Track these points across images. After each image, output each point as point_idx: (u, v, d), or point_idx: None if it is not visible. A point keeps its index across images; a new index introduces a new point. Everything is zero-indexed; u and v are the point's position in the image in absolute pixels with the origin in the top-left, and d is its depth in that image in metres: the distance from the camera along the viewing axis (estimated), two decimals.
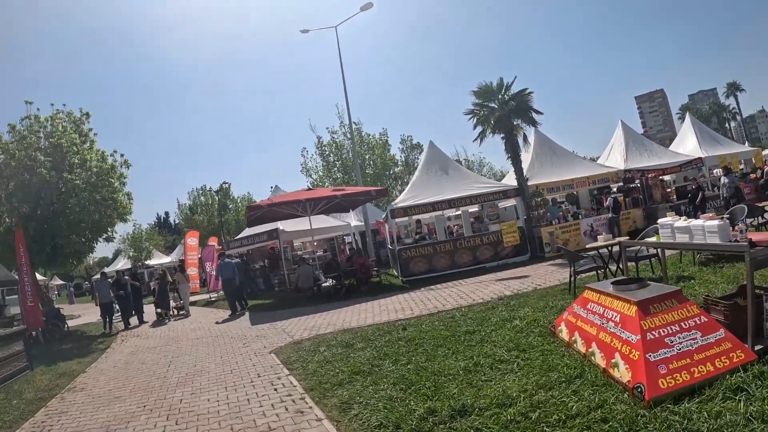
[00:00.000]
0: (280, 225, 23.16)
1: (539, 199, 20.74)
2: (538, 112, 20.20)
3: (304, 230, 23.08)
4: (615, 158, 24.36)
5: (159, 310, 20.78)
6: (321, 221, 24.32)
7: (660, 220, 7.58)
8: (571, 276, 10.82)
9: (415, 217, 21.47)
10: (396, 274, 20.71)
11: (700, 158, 24.33)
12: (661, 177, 23.68)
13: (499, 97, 20.14)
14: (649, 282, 6.23)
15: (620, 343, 5.37)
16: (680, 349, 4.99)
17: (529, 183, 20.19)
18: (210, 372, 9.53)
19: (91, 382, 10.60)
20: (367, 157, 39.17)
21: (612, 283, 6.47)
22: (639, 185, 22.57)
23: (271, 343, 11.36)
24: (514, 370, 6.25)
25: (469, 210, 23.19)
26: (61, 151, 18.77)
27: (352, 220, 28.56)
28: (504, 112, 19.68)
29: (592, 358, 5.84)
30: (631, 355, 5.09)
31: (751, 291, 5.35)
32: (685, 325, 5.22)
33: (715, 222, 6.23)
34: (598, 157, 29.15)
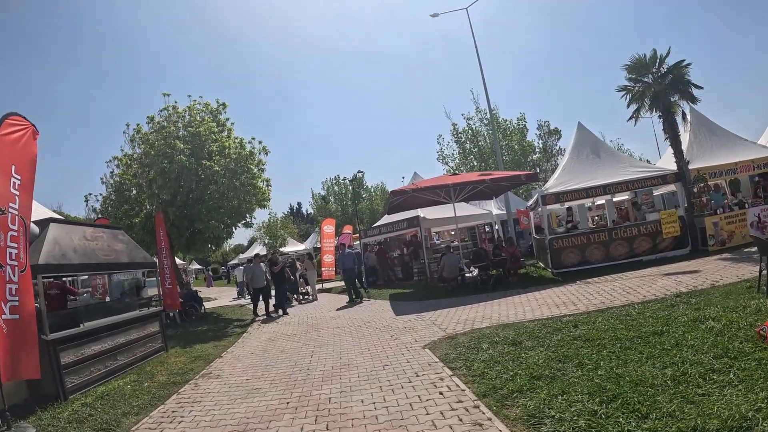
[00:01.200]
0: (421, 212, 22.78)
1: (701, 184, 19.02)
2: (698, 87, 18.61)
3: (446, 218, 22.71)
4: None
5: (288, 294, 21.19)
6: (462, 209, 23.66)
7: None
8: (761, 272, 9.63)
9: (566, 204, 20.47)
10: (542, 265, 20.10)
11: None
12: None
13: (653, 71, 18.78)
14: None
15: None
16: None
17: (690, 167, 18.57)
18: (359, 366, 8.99)
19: (227, 368, 10.39)
20: (504, 144, 38.04)
21: None
22: None
23: (422, 336, 10.83)
24: (732, 383, 5.46)
25: (614, 199, 22.01)
26: (199, 139, 19.25)
27: (493, 208, 27.84)
28: (660, 87, 18.34)
29: None
30: None
31: None
32: None
33: None
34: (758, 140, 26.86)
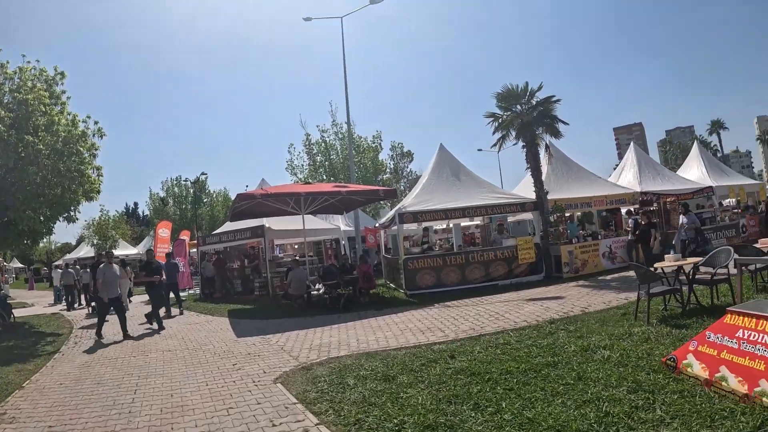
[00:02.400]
0: (266, 222, 21.25)
1: (558, 215, 19.24)
2: (564, 123, 18.78)
3: (293, 230, 21.27)
4: (627, 179, 23.42)
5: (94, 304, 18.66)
6: (310, 222, 22.28)
7: None
8: (638, 299, 9.66)
9: (424, 224, 19.87)
10: (393, 286, 19.26)
11: (710, 187, 24.01)
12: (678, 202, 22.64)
13: (523, 101, 18.73)
14: None
15: None
16: None
17: (548, 197, 18.64)
18: (196, 410, 6.91)
19: (27, 407, 7.73)
20: (356, 160, 37.11)
21: None
22: (656, 209, 21.82)
23: (271, 366, 8.94)
24: (666, 422, 4.77)
25: (462, 223, 21.83)
26: (25, 108, 15.98)
27: (342, 224, 26.84)
28: (528, 118, 18.27)
29: (764, 398, 4.72)
30: None
31: None
32: None
33: None
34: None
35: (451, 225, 22.10)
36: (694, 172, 26.67)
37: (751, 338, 5.37)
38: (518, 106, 18.77)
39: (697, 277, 10.14)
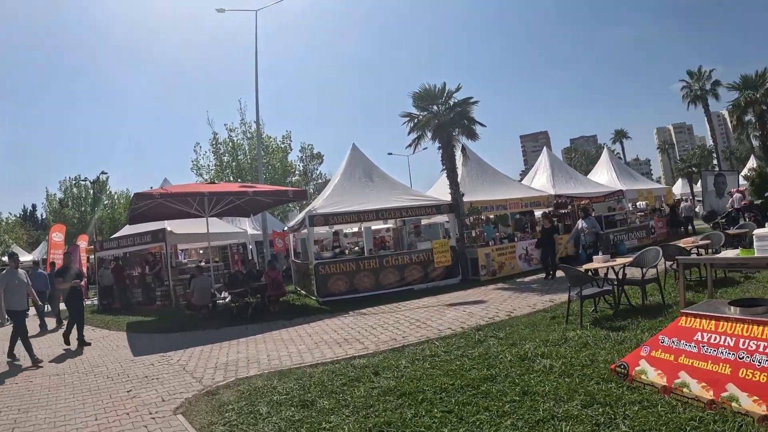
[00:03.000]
0: (168, 225, 19.79)
1: (475, 217, 18.80)
2: (481, 125, 18.45)
3: (197, 234, 19.87)
4: (541, 182, 23.48)
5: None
6: (215, 225, 20.81)
7: (758, 231, 6.55)
8: (569, 302, 9.26)
9: (335, 227, 18.99)
10: (304, 292, 18.20)
11: (621, 190, 24.77)
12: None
13: (440, 102, 18.25)
14: None
15: None
16: None
17: (464, 200, 18.21)
18: None
19: None
20: (265, 161, 35.66)
21: (733, 305, 5.28)
22: (570, 211, 21.78)
23: (170, 391, 7.60)
24: None
25: (372, 227, 21.15)
26: None
27: (248, 227, 25.55)
28: (445, 119, 17.78)
29: (733, 404, 4.43)
30: None
31: None
32: None
33: None
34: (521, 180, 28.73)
35: (361, 228, 21.27)
36: (604, 176, 27.44)
37: (712, 341, 5.07)
38: (435, 107, 18.29)
39: (627, 277, 9.89)
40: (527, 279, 16.04)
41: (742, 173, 37.49)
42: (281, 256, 24.82)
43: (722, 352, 4.89)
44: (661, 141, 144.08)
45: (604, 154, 30.29)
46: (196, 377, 8.29)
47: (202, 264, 19.46)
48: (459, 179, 18.48)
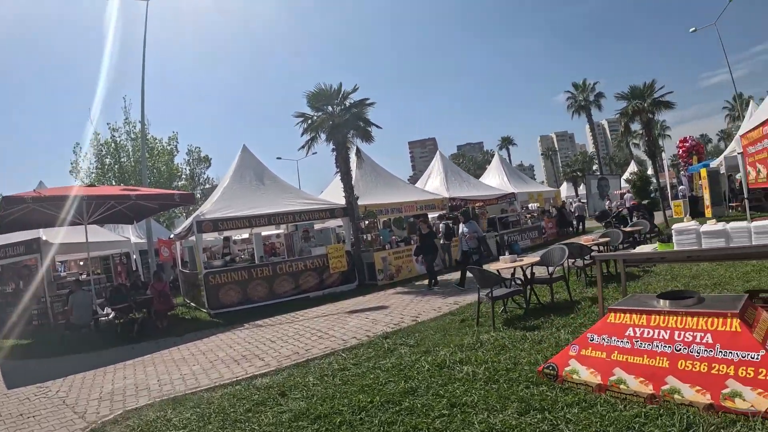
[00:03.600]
0: (44, 234, 18.07)
1: (370, 220, 18.36)
2: (377, 126, 17.97)
3: (76, 243, 18.20)
4: (435, 185, 23.48)
5: None
6: (96, 233, 19.24)
7: (677, 225, 6.31)
8: (479, 303, 8.92)
9: (224, 234, 18.02)
10: (194, 305, 16.92)
11: (513, 193, 25.52)
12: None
13: (335, 102, 17.59)
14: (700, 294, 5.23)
15: (731, 367, 4.28)
16: None
17: (359, 203, 17.73)
18: None
19: None
20: (150, 164, 33.54)
21: (662, 299, 5.23)
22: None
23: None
24: None
25: (263, 232, 20.39)
26: None
27: (132, 235, 23.89)
28: (340, 120, 17.13)
29: (675, 396, 4.39)
30: (762, 376, 4.06)
31: None
32: None
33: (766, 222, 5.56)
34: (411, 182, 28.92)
35: (251, 234, 20.39)
36: (495, 179, 27.98)
37: (645, 335, 4.94)
38: (330, 107, 17.60)
39: (536, 276, 9.82)
40: (426, 282, 15.58)
41: (624, 177, 39.88)
42: (168, 265, 23.37)
43: (658, 346, 4.79)
44: (545, 148, 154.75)
45: (495, 159, 31.08)
46: (78, 412, 7.06)
47: (82, 277, 17.95)
48: (353, 182, 17.93)
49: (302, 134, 17.63)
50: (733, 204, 23.89)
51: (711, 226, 5.97)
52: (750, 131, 10.72)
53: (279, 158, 51.80)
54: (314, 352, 8.63)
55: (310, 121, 17.50)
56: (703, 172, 23.42)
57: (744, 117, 25.30)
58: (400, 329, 9.34)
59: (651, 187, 30.25)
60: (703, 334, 4.59)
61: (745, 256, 6.82)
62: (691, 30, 36.85)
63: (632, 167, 44.53)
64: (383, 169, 21.28)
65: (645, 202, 23.64)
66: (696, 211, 23.98)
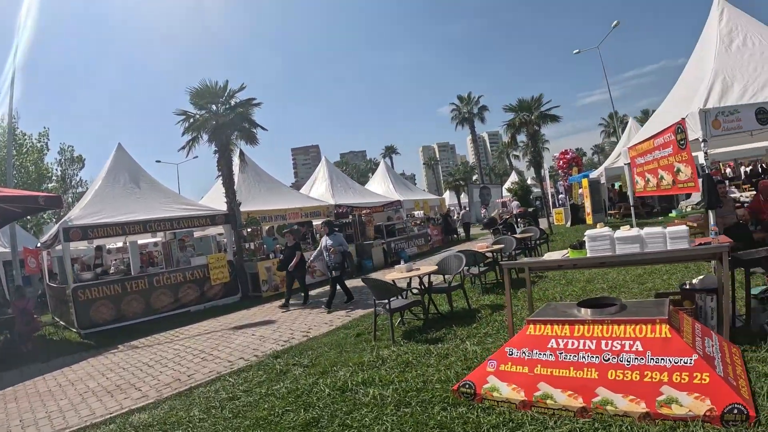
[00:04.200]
0: None
1: (254, 228, 17.47)
2: (262, 128, 17.07)
3: None
4: (319, 192, 22.93)
5: None
6: None
7: (590, 232, 6.14)
8: (376, 316, 8.39)
9: (96, 242, 16.59)
10: (63, 323, 15.11)
11: (399, 200, 25.46)
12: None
13: (221, 101, 16.62)
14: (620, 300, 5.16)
15: (664, 374, 4.20)
16: (721, 359, 4.41)
17: (241, 209, 16.78)
18: None
19: None
20: (17, 163, 30.37)
21: (583, 307, 5.03)
22: (351, 221, 21.60)
23: None
24: None
25: (139, 241, 19.08)
26: None
27: None
28: (225, 120, 16.14)
29: (608, 407, 4.20)
30: (696, 380, 4.05)
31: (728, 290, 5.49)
32: (699, 333, 4.70)
33: (682, 227, 5.66)
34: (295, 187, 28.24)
35: (126, 243, 18.93)
36: (381, 187, 27.92)
37: (570, 346, 4.72)
38: (215, 106, 16.57)
39: (434, 285, 9.63)
40: (313, 293, 14.88)
41: (506, 186, 41.14)
42: (36, 278, 21.35)
43: (585, 357, 4.58)
44: (427, 157, 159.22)
45: (381, 166, 31.05)
46: None
47: None
48: (236, 187, 16.97)
49: (183, 134, 16.43)
50: (612, 212, 25.25)
51: (625, 232, 5.86)
52: (638, 144, 11.61)
53: (158, 161, 49.39)
54: (198, 377, 7.73)
55: (192, 120, 16.36)
56: (585, 182, 24.51)
57: (622, 133, 27.30)
58: (292, 347, 8.66)
59: (532, 196, 31.27)
60: (632, 342, 4.47)
61: (658, 260, 6.78)
62: (575, 51, 38.74)
63: (513, 177, 46.73)
64: (267, 174, 20.43)
65: (531, 209, 24.67)
66: (577, 218, 25.40)
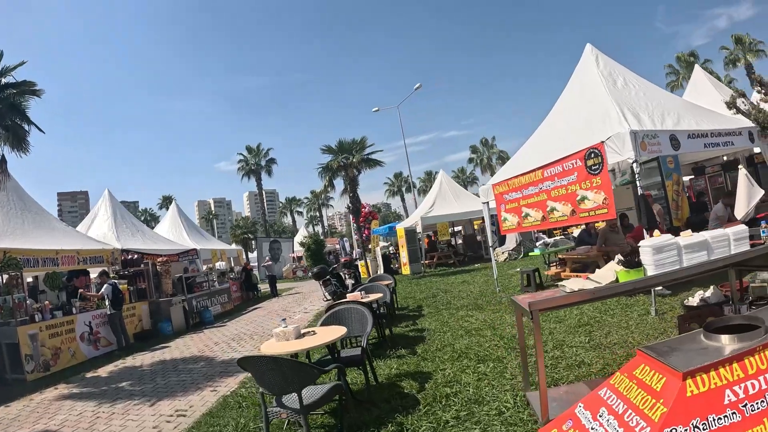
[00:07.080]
0: None
1: (13, 274, 11.86)
2: (40, 130, 11.84)
3: None
4: (101, 232, 17.74)
5: None
6: None
7: (648, 242, 4.51)
8: (268, 421, 5.22)
9: None
10: None
11: (195, 249, 21.89)
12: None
13: None
14: None
15: None
16: None
17: None
18: None
19: None
20: None
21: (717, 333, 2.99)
22: (144, 270, 16.43)
23: None
24: None
25: None
26: None
27: None
28: None
29: None
30: None
31: None
32: None
33: (741, 227, 4.68)
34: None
35: None
36: (173, 232, 24.21)
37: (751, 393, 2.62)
38: None
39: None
40: (104, 373, 10.19)
41: (297, 239, 39.34)
42: None
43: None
44: (204, 212, 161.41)
45: (173, 208, 26.60)
46: None
47: None
48: None
49: None
50: (424, 261, 25.27)
51: (688, 238, 4.64)
52: (511, 179, 11.43)
53: None
54: None
55: None
56: (400, 231, 24.73)
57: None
58: None
59: (325, 250, 30.10)
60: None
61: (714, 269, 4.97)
62: (374, 109, 37.49)
63: (303, 231, 47.20)
64: (33, 201, 14.35)
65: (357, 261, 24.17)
66: (389, 269, 25.37)
